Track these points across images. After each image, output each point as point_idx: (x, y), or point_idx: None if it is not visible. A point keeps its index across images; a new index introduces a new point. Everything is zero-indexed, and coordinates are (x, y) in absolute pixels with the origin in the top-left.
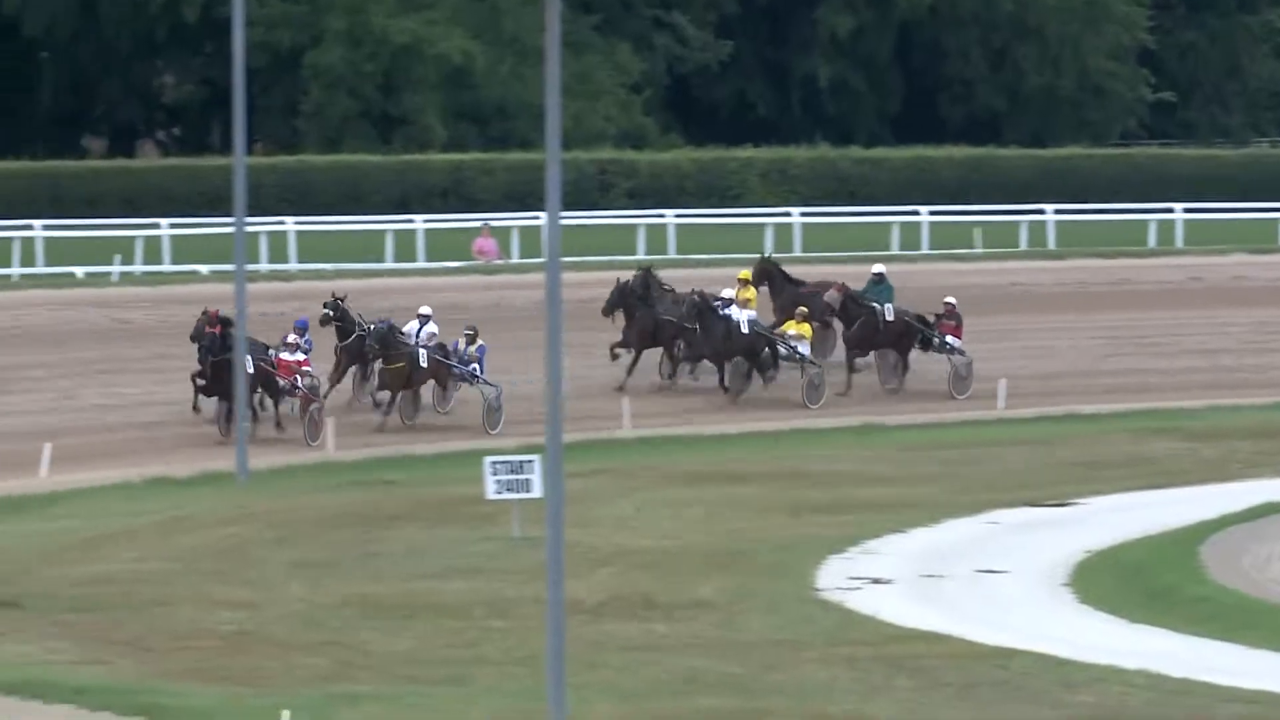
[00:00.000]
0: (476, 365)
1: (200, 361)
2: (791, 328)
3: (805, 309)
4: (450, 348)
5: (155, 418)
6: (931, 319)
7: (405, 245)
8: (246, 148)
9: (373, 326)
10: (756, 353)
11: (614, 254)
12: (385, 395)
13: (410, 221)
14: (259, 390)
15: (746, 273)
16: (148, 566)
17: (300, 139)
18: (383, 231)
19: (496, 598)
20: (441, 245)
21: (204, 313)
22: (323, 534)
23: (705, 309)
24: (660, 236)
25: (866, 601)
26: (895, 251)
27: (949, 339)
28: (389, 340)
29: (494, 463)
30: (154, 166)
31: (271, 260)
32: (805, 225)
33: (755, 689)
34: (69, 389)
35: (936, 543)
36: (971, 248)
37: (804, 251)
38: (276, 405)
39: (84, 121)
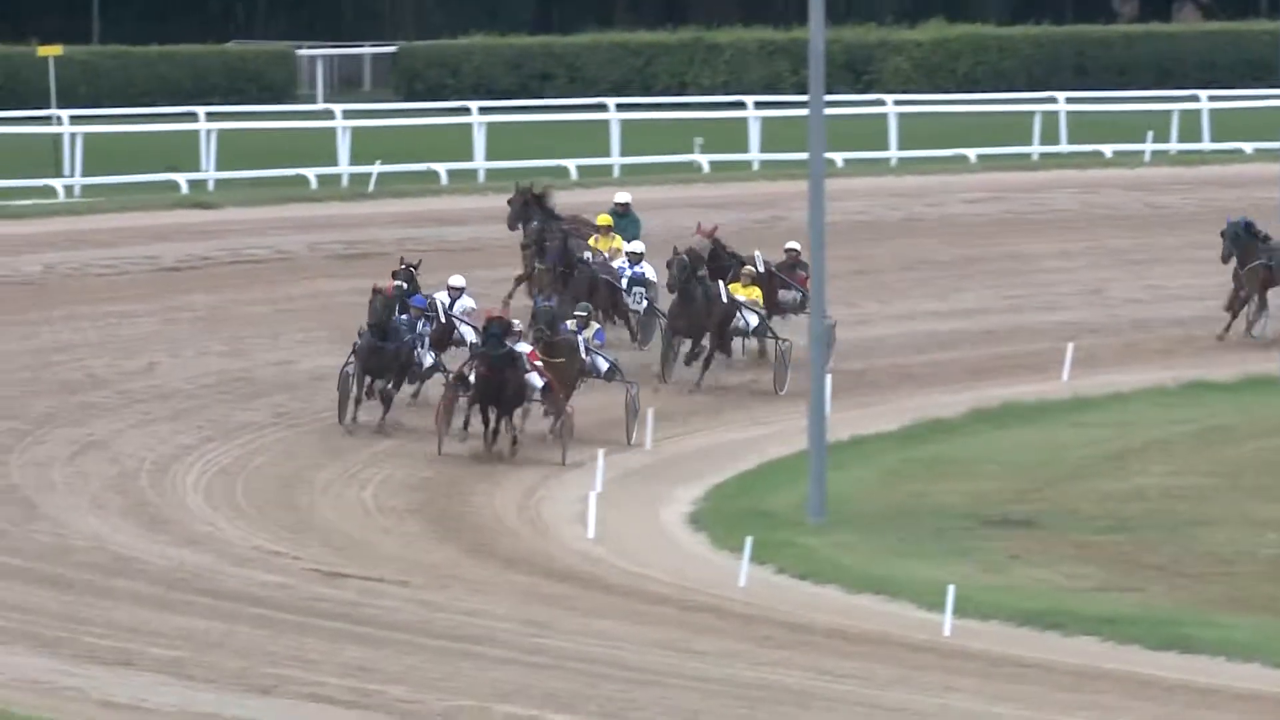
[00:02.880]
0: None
1: (480, 364)
2: (739, 291)
3: (752, 269)
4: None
5: (1192, 313)
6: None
7: None
8: None
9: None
10: (729, 324)
11: None
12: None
13: None
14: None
15: (606, 217)
16: (1183, 481)
17: None
18: None
19: None
20: None
21: (376, 291)
22: None
23: (693, 274)
24: None
25: None
26: None
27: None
28: (556, 323)
29: None
30: (1193, 32)
31: None
32: None
33: None
34: (1095, 281)
35: None
36: None
37: None
38: (518, 417)
39: None
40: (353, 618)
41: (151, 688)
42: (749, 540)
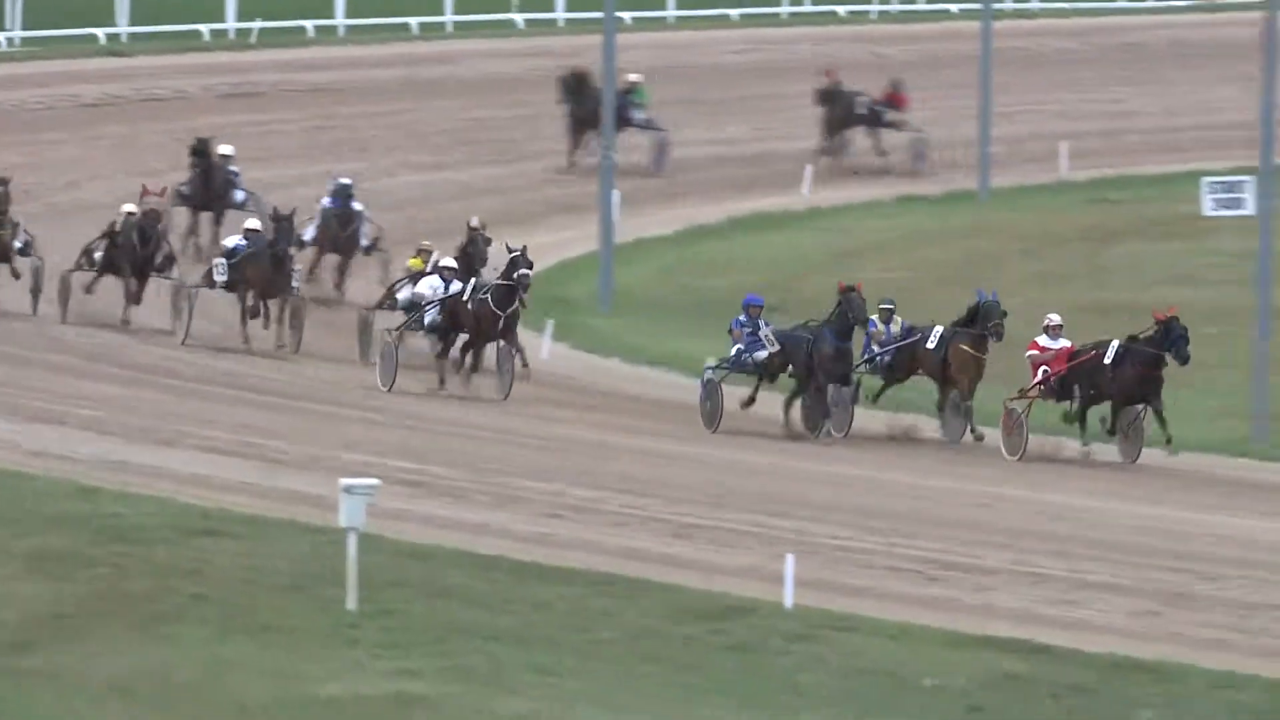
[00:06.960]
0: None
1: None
2: (414, 264)
3: (428, 243)
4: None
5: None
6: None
7: None
8: None
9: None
10: None
11: None
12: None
13: None
14: None
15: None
16: (894, 275)
17: None
18: None
19: (1217, 307)
20: None
21: (848, 289)
22: (1055, 248)
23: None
24: None
25: None
26: None
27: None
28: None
29: (1210, 182)
30: None
31: None
32: None
33: None
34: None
35: None
36: None
37: None
38: None
39: None
40: (239, 385)
41: (78, 442)
42: (550, 322)
